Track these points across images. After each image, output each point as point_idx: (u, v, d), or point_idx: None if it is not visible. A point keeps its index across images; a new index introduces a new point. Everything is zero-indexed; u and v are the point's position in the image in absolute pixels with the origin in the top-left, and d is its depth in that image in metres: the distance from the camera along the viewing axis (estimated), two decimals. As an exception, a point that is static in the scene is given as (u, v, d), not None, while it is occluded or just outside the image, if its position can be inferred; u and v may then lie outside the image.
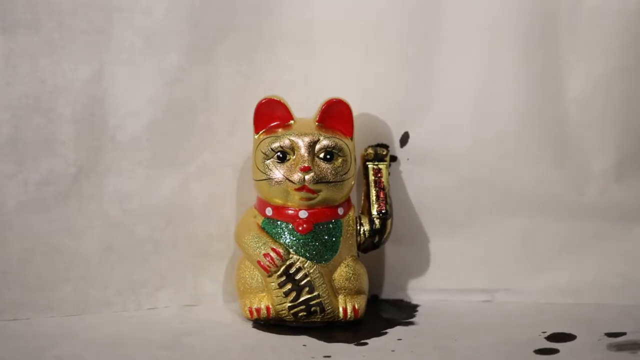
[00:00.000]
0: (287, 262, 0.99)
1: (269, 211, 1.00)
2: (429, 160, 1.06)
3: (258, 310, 1.00)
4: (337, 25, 1.04)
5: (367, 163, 1.04)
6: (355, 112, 1.00)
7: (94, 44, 1.00)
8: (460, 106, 1.05)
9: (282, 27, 1.04)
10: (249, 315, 1.01)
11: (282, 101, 1.00)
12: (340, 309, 1.00)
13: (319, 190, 0.98)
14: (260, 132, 1.00)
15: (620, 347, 0.93)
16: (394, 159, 1.06)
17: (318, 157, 0.98)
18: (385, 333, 0.99)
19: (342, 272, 1.00)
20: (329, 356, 0.93)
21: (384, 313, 1.04)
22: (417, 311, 1.05)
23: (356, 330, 1.00)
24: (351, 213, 1.01)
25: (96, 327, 0.99)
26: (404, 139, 1.06)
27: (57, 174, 1.01)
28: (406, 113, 1.05)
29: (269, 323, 1.00)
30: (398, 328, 1.00)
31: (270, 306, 1.00)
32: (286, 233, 0.99)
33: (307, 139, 0.98)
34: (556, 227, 1.06)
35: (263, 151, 0.99)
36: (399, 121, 1.06)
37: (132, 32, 1.01)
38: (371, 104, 1.05)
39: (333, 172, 0.98)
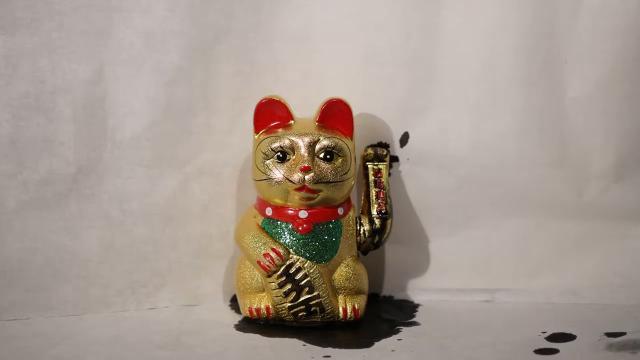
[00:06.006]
0: (287, 262, 0.99)
1: (269, 211, 1.00)
2: (429, 160, 1.06)
3: (258, 310, 1.00)
4: (337, 25, 1.04)
5: (367, 163, 1.04)
6: (355, 112, 1.00)
7: (94, 44, 1.00)
8: (460, 106, 1.05)
9: (282, 27, 1.04)
10: (249, 315, 1.01)
11: (282, 101, 1.00)
12: (340, 309, 1.00)
13: (319, 190, 0.98)
14: (260, 132, 1.00)
15: (620, 347, 0.93)
16: (394, 159, 1.06)
17: (318, 157, 0.98)
18: (385, 333, 0.99)
19: (342, 272, 1.00)
20: (329, 356, 0.93)
21: (384, 313, 1.04)
22: (417, 311, 1.05)
23: (356, 330, 1.00)
24: (351, 213, 1.01)
25: (96, 327, 0.99)
26: (404, 139, 1.06)
27: (57, 174, 1.01)
28: (406, 113, 1.06)
29: (269, 323, 1.00)
30: (398, 328, 1.00)
31: (270, 306, 1.00)
32: (286, 233, 0.99)
33: (307, 139, 0.98)
34: (556, 227, 1.06)
35: (263, 151, 0.99)
36: (399, 121, 1.06)
37: (132, 32, 1.01)
38: (371, 104, 1.05)
39: (333, 172, 0.98)
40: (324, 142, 0.98)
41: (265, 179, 0.99)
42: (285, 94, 1.01)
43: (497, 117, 1.04)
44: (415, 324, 1.01)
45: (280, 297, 0.99)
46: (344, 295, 1.00)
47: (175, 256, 1.05)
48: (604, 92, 1.03)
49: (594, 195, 1.05)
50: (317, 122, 1.00)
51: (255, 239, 1.00)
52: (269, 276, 0.99)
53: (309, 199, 0.98)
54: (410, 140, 1.06)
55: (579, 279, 1.06)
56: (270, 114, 1.00)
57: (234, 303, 1.06)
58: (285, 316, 1.00)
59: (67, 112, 1.01)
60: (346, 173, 0.99)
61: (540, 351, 0.93)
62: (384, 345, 0.96)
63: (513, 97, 1.04)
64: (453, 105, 1.05)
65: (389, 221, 1.02)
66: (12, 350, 0.93)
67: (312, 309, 0.99)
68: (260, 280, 1.00)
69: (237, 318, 1.03)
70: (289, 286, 0.99)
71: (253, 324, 1.01)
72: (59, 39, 0.99)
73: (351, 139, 1.00)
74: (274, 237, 0.99)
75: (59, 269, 1.02)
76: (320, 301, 0.99)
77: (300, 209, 0.99)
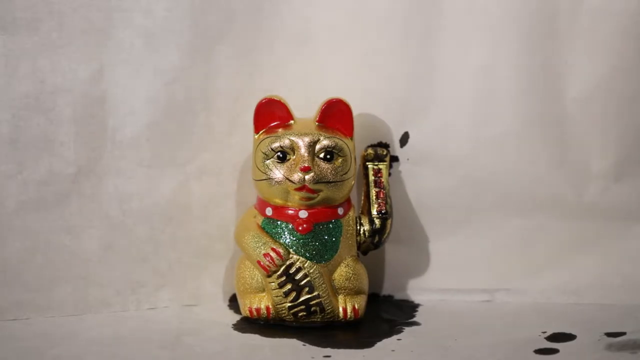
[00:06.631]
0: (287, 262, 0.99)
1: (269, 211, 1.00)
2: (429, 160, 1.06)
3: (258, 310, 1.00)
4: (337, 25, 1.04)
5: (367, 163, 1.04)
6: (355, 112, 1.00)
7: (94, 44, 1.00)
8: (460, 106, 1.05)
9: (282, 26, 1.04)
10: (248, 315, 1.01)
11: (282, 101, 1.00)
12: (340, 309, 1.00)
13: (319, 190, 0.98)
14: (260, 132, 1.00)
15: (620, 347, 0.93)
16: (394, 159, 1.06)
17: (318, 157, 0.98)
18: (385, 333, 0.99)
19: (342, 272, 1.00)
20: (329, 356, 0.93)
21: (384, 313, 1.04)
22: (417, 311, 1.05)
23: (356, 330, 1.00)
24: (351, 213, 1.01)
25: (96, 327, 0.99)
26: (404, 139, 1.06)
27: (57, 174, 1.01)
28: (406, 113, 1.06)
29: (268, 323, 1.00)
30: (398, 328, 1.00)
31: (270, 306, 1.00)
32: (286, 233, 0.99)
33: (307, 139, 0.98)
34: (556, 227, 1.06)
35: (263, 151, 0.99)
36: (399, 121, 1.06)
37: (132, 32, 1.01)
38: (371, 103, 1.05)
39: (333, 172, 0.98)
40: (324, 142, 0.98)
41: (265, 179, 0.99)
42: (285, 94, 1.01)
43: (497, 117, 1.04)
44: (415, 324, 1.01)
45: (280, 297, 0.99)
46: (344, 295, 1.00)
47: (175, 256, 1.05)
48: (604, 92, 1.03)
49: (594, 195, 1.05)
50: (317, 122, 1.00)
51: (255, 239, 1.00)
52: (269, 276, 0.99)
53: (309, 199, 0.98)
54: (410, 140, 1.06)
55: (579, 279, 1.06)
56: (270, 114, 1.00)
57: (233, 303, 1.06)
58: (285, 316, 1.00)
59: (67, 112, 1.00)
60: (346, 173, 0.99)
61: (540, 351, 0.93)
62: (383, 345, 0.96)
63: (513, 97, 1.04)
64: (453, 105, 1.05)
65: (389, 221, 1.02)
66: (12, 350, 0.93)
67: (312, 309, 0.99)
68: (260, 280, 1.00)
69: (236, 318, 1.03)
70: (289, 286, 0.99)
71: (253, 323, 1.01)
72: (59, 39, 0.99)
73: (351, 139, 1.00)
74: (274, 237, 0.99)
75: (59, 269, 1.02)
76: (320, 301, 0.99)
77: (300, 209, 0.99)
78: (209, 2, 1.02)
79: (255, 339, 0.97)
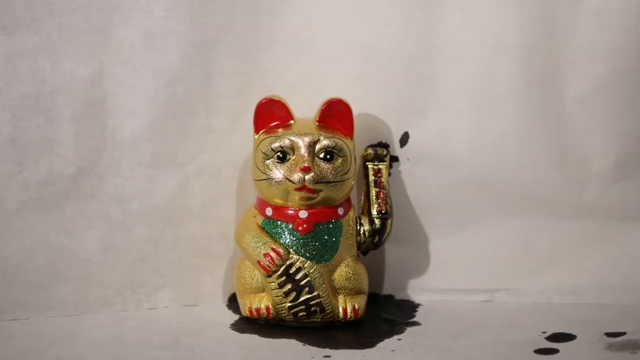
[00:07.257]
0: (287, 262, 0.99)
1: (269, 211, 1.00)
2: (429, 161, 1.06)
3: (258, 310, 1.00)
4: (337, 25, 1.04)
5: (367, 163, 1.04)
6: (355, 112, 1.00)
7: (94, 44, 1.00)
8: (460, 106, 1.05)
9: (282, 27, 1.04)
10: (248, 315, 1.01)
11: (282, 101, 1.00)
12: (340, 309, 1.00)
13: (319, 190, 0.98)
14: (260, 132, 1.00)
15: (620, 347, 0.93)
16: (394, 159, 1.06)
17: (318, 157, 0.98)
18: (385, 333, 0.99)
19: (342, 272, 1.00)
20: (329, 356, 0.93)
21: (384, 313, 1.04)
22: (417, 311, 1.05)
23: (356, 330, 1.00)
24: (351, 213, 1.01)
25: (96, 327, 0.99)
26: (404, 139, 1.06)
27: (57, 174, 1.01)
28: (406, 113, 1.05)
29: (269, 323, 1.00)
30: (398, 328, 1.00)
31: (270, 306, 1.00)
32: (286, 233, 0.99)
33: (307, 139, 0.98)
34: (556, 227, 1.06)
35: (263, 151, 0.99)
36: (399, 121, 1.06)
37: (132, 32, 1.01)
38: (371, 104, 1.05)
39: (333, 172, 0.98)
40: (324, 142, 0.98)
41: (265, 179, 0.99)
42: (285, 94, 1.01)
43: (497, 117, 1.04)
44: (415, 324, 1.01)
45: (280, 297, 0.99)
46: (344, 295, 1.00)
47: (175, 256, 1.05)
48: (604, 92, 1.03)
49: (594, 195, 1.05)
50: (317, 122, 1.00)
51: (255, 239, 1.00)
52: (269, 276, 0.99)
53: (309, 199, 0.98)
54: (410, 140, 1.06)
55: (579, 279, 1.06)
56: (270, 114, 1.00)
57: (233, 303, 1.06)
58: (285, 316, 1.00)
59: (67, 112, 1.01)
60: (346, 173, 0.99)
61: (540, 351, 0.93)
62: (383, 345, 0.96)
63: (513, 97, 1.04)
64: (453, 105, 1.05)
65: (389, 221, 1.02)
66: (12, 350, 0.93)
67: (312, 309, 0.99)
68: (260, 280, 1.00)
69: (236, 318, 1.03)
70: (289, 286, 0.99)
71: (252, 324, 1.01)
72: (59, 39, 0.99)
73: (351, 139, 1.00)
74: (274, 237, 0.99)
75: (59, 269, 1.02)
76: (320, 301, 0.99)
77: (300, 209, 0.99)
78: (209, 2, 1.02)
79: (255, 339, 0.97)
